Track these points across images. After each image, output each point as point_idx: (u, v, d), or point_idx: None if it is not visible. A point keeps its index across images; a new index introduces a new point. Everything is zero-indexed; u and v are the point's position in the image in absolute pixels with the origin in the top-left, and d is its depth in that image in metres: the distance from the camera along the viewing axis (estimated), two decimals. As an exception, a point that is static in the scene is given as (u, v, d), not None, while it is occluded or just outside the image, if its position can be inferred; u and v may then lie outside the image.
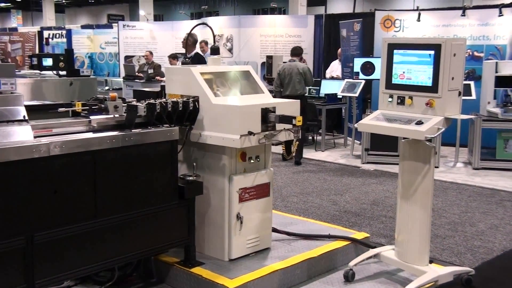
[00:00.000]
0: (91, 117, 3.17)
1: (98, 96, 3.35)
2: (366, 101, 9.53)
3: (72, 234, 2.93)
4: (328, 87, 9.40)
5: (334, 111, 9.77)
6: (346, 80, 8.95)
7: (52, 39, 18.73)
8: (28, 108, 3.07)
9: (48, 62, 7.68)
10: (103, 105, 3.22)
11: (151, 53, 12.79)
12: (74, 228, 2.94)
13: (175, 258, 3.63)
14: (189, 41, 10.03)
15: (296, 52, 8.21)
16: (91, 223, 3.01)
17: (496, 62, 7.63)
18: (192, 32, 6.50)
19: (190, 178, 3.52)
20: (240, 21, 13.29)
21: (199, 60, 7.32)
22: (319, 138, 9.29)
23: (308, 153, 8.67)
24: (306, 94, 8.27)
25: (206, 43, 10.70)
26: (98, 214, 3.04)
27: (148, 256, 3.55)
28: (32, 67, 8.33)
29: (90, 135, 3.05)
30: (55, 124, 3.08)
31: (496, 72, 7.46)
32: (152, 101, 3.40)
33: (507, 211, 5.69)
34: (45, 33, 19.09)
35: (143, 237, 3.30)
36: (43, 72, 7.92)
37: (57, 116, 3.23)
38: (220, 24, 13.47)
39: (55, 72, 7.77)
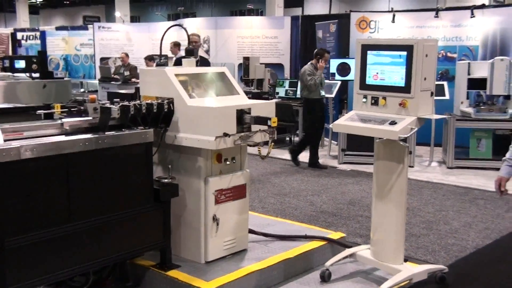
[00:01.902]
0: (63, 120, 3.13)
1: (77, 98, 3.32)
2: (342, 101, 9.60)
3: (45, 239, 2.89)
4: (304, 88, 9.42)
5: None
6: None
7: (26, 40, 18.43)
8: (-1, 111, 3.02)
9: (21, 64, 7.52)
10: (82, 107, 3.20)
11: (127, 55, 12.68)
12: (47, 232, 2.89)
13: (151, 261, 3.60)
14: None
15: (315, 53, 7.81)
16: (64, 227, 2.97)
17: (469, 63, 7.78)
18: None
19: (166, 180, 3.50)
20: (217, 22, 13.29)
21: (202, 63, 6.88)
22: (296, 139, 9.32)
23: (285, 154, 8.69)
24: (316, 97, 7.65)
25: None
26: (71, 218, 3.00)
27: (124, 260, 3.51)
28: (4, 69, 8.16)
29: (62, 138, 3.01)
30: (26, 127, 3.02)
31: (469, 73, 7.60)
32: (126, 103, 3.37)
33: (480, 209, 5.79)
34: (19, 35, 18.77)
35: (118, 241, 3.26)
36: (16, 74, 7.76)
37: (28, 119, 3.18)
38: (197, 26, 13.44)
39: (27, 74, 7.63)
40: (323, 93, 7.77)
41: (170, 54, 10.66)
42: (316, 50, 7.96)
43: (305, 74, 7.61)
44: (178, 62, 7.25)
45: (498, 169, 3.30)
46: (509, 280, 3.98)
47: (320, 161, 7.86)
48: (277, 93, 9.64)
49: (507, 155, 3.16)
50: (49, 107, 3.26)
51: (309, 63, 7.79)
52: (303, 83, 7.70)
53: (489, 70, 7.29)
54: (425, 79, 3.45)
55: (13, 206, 2.75)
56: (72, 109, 3.21)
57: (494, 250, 4.68)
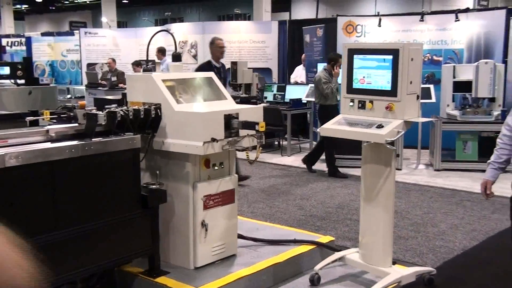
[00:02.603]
0: (49, 127, 3.10)
1: (66, 104, 3.30)
2: (330, 105, 9.61)
3: (31, 247, 2.85)
4: (292, 92, 9.47)
5: (299, 116, 9.83)
6: (310, 85, 9.03)
7: (11, 47, 18.29)
8: (-17, 119, 2.98)
9: (5, 70, 7.47)
10: (72, 114, 3.18)
11: (113, 60, 12.63)
12: (32, 241, 2.84)
13: (139, 268, 3.58)
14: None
15: (327, 59, 7.62)
16: (50, 235, 2.93)
17: (454, 66, 7.85)
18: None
19: (153, 186, 3.48)
20: (205, 27, 13.28)
21: (210, 69, 6.50)
22: (284, 143, 9.34)
23: (274, 158, 8.71)
24: (322, 103, 7.49)
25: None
26: (58, 226, 2.97)
27: (111, 267, 3.48)
28: (-12, 76, 8.08)
29: (48, 145, 2.98)
30: (11, 135, 2.99)
31: (454, 76, 7.68)
32: (112, 109, 3.35)
33: (466, 211, 5.83)
34: (4, 41, 18.62)
35: (105, 248, 3.23)
36: (0, 81, 7.71)
37: (14, 126, 3.14)
38: (184, 31, 13.43)
39: (12, 81, 7.57)
40: (339, 98, 7.59)
41: (156, 60, 10.65)
42: (329, 55, 7.67)
43: (321, 82, 7.33)
44: (201, 68, 6.78)
45: (484, 171, 3.33)
46: (496, 281, 4.01)
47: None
48: (265, 97, 9.64)
49: (492, 158, 3.19)
50: (36, 113, 3.23)
51: (322, 69, 7.54)
52: (319, 91, 7.42)
53: (474, 73, 7.37)
54: (411, 82, 3.48)
55: (-2, 214, 2.72)
56: (61, 116, 3.20)
57: (481, 252, 4.71)
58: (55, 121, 3.20)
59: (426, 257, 4.49)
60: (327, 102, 7.43)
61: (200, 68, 6.83)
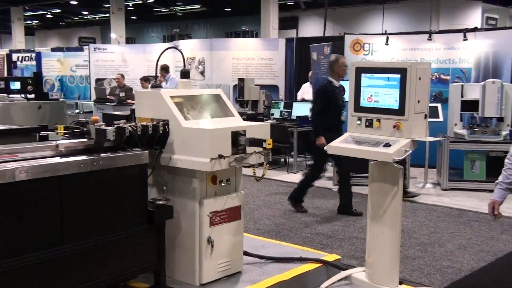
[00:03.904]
0: (58, 142, 3.13)
1: (80, 119, 3.34)
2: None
3: (38, 262, 2.86)
4: (299, 110, 9.49)
5: (306, 133, 9.82)
6: (317, 102, 9.04)
7: (21, 62, 18.48)
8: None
9: (16, 85, 7.55)
10: (85, 128, 3.21)
11: (122, 76, 12.74)
12: (39, 255, 2.86)
13: (145, 284, 3.57)
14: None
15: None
16: (57, 250, 2.94)
17: (462, 85, 7.86)
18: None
19: (160, 202, 3.49)
20: (212, 44, 13.39)
21: (331, 88, 6.28)
22: (291, 160, 9.33)
23: (280, 175, 8.70)
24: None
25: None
26: (64, 241, 2.98)
27: (117, 282, 3.47)
28: (-1, 90, 8.16)
29: (57, 159, 3.01)
30: (21, 149, 3.02)
31: (462, 95, 7.68)
32: (121, 124, 3.38)
33: (474, 231, 5.79)
34: (14, 56, 18.82)
35: (112, 263, 3.24)
36: (11, 95, 7.78)
37: (23, 141, 3.17)
38: (192, 47, 13.54)
39: (23, 95, 7.65)
40: None
41: (159, 78, 10.74)
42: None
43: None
44: (323, 89, 6.44)
45: (492, 191, 3.32)
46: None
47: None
48: (272, 114, 9.68)
49: (500, 178, 3.18)
50: (46, 128, 3.27)
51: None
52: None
53: (481, 92, 7.37)
54: (418, 101, 3.49)
55: (5, 228, 2.73)
56: (75, 130, 3.24)
57: (489, 273, 4.65)
58: (68, 135, 3.25)
59: (433, 277, 4.45)
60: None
61: (323, 89, 6.50)
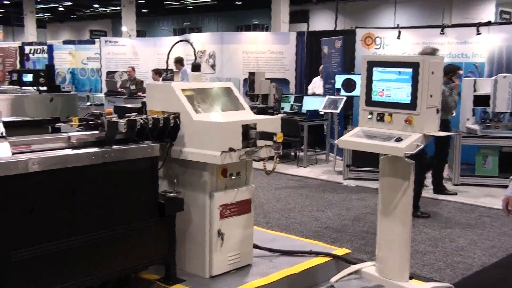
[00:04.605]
0: (70, 134, 3.15)
1: (94, 112, 3.36)
2: (347, 117, 9.61)
3: (50, 252, 2.89)
4: (310, 104, 9.46)
5: (316, 127, 9.82)
6: (327, 96, 9.02)
7: (33, 54, 18.60)
8: (7, 124, 3.04)
9: (28, 77, 7.61)
10: (99, 121, 3.24)
11: (133, 69, 12.77)
12: (51, 246, 2.89)
13: (155, 275, 3.60)
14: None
15: (446, 71, 6.93)
16: (69, 241, 2.97)
17: (475, 80, 7.78)
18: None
19: (171, 194, 3.51)
20: (223, 37, 13.37)
21: None
22: (301, 154, 9.32)
23: (290, 169, 8.70)
24: (448, 118, 6.82)
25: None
26: (76, 232, 3.00)
27: (128, 274, 3.50)
28: (12, 82, 8.23)
29: (69, 151, 3.02)
30: (34, 141, 3.04)
31: (474, 90, 7.60)
32: (132, 117, 3.39)
33: (486, 227, 5.75)
34: (26, 49, 18.95)
35: (122, 255, 3.26)
36: (24, 87, 7.84)
37: (35, 132, 3.20)
38: (203, 41, 13.53)
39: (35, 88, 7.71)
40: (454, 113, 7.14)
41: (175, 70, 10.75)
42: (446, 67, 6.84)
43: (445, 95, 6.72)
44: None
45: (504, 186, 3.29)
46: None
47: (324, 177, 7.73)
48: (282, 108, 9.66)
49: (514, 173, 3.15)
50: (58, 120, 3.30)
51: None
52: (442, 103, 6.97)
53: (492, 87, 7.29)
54: (431, 96, 3.46)
55: (19, 218, 2.76)
56: (89, 123, 3.27)
57: (500, 269, 4.64)
58: (82, 127, 3.28)
59: (444, 272, 4.43)
60: (447, 116, 6.87)
61: None
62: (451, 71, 6.98)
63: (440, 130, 6.90)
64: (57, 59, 17.39)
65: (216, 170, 3.60)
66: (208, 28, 30.22)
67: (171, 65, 11.15)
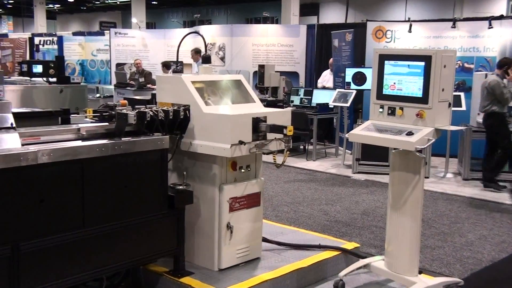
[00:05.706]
0: (80, 125, 3.15)
1: (108, 103, 3.37)
2: (357, 111, 9.56)
3: (59, 243, 2.90)
4: (319, 97, 9.43)
5: (326, 121, 9.80)
6: (337, 90, 8.98)
7: (43, 45, 18.67)
8: (17, 116, 3.04)
9: (38, 69, 7.64)
10: (113, 112, 3.24)
11: (141, 61, 12.78)
12: (61, 237, 2.90)
13: (164, 268, 3.60)
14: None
15: (498, 64, 7.24)
16: (78, 232, 2.98)
17: (486, 74, 7.70)
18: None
19: (180, 187, 3.50)
20: (233, 30, 13.32)
21: None
22: (310, 147, 9.30)
23: (299, 163, 8.68)
24: (496, 110, 6.97)
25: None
26: (85, 223, 3.01)
27: (137, 266, 3.51)
28: (22, 73, 8.26)
29: (79, 143, 3.02)
30: (43, 132, 3.05)
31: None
32: (142, 109, 3.38)
33: (496, 222, 5.71)
34: (36, 40, 19.01)
35: (131, 247, 3.26)
36: (33, 79, 7.87)
37: (45, 124, 3.20)
38: (213, 33, 13.49)
39: (45, 79, 7.73)
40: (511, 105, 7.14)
41: (188, 61, 10.73)
42: (501, 60, 7.29)
43: (500, 86, 6.86)
44: None
45: (516, 182, 3.25)
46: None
47: (334, 170, 7.75)
48: (292, 101, 9.63)
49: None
50: (68, 112, 3.30)
51: (494, 74, 7.08)
52: (495, 97, 6.89)
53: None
54: (443, 90, 3.42)
55: (29, 210, 2.77)
56: (103, 114, 3.27)
57: (510, 265, 4.60)
58: (97, 119, 3.30)
59: (453, 267, 4.41)
60: (503, 109, 6.99)
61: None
62: (506, 64, 6.96)
63: (497, 124, 6.88)
64: (66, 51, 17.43)
65: (225, 163, 3.59)
66: (217, 21, 30.15)
67: (185, 57, 11.15)
